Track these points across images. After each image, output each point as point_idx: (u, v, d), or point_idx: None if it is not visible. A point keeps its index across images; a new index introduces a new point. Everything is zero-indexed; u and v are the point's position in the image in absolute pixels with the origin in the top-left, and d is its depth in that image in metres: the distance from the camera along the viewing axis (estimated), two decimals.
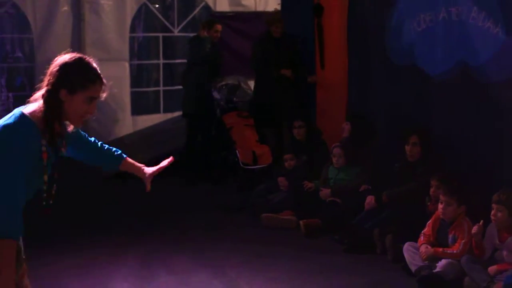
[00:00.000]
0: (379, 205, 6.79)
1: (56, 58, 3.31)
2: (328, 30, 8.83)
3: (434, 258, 5.80)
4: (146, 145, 9.81)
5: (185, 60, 9.95)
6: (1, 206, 3.09)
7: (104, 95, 3.36)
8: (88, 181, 8.04)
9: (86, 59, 3.32)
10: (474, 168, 6.35)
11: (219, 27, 9.53)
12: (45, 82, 3.27)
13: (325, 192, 7.47)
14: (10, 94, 9.73)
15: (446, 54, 6.60)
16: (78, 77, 3.25)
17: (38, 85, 3.31)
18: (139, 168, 3.83)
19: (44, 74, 3.27)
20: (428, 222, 6.07)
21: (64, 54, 3.32)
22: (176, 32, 10.88)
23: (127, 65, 10.28)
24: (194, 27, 10.74)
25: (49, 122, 3.23)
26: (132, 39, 10.45)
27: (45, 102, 3.23)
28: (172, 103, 10.65)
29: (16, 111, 3.25)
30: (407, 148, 6.69)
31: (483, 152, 6.30)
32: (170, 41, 10.96)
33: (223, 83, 9.66)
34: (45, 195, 3.31)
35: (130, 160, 3.83)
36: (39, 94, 3.29)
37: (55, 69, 3.26)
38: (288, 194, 7.78)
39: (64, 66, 3.25)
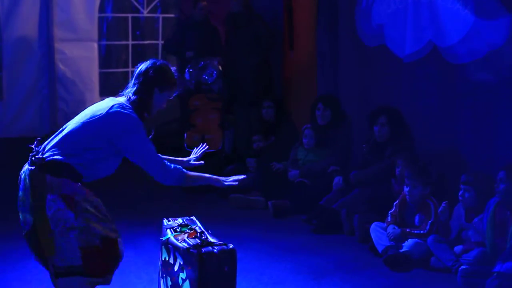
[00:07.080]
0: (347, 186, 6.81)
1: (143, 63, 4.11)
2: (298, 11, 8.79)
3: (401, 238, 5.83)
4: None
5: (154, 41, 9.79)
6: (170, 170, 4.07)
7: None
8: None
9: (170, 66, 4.17)
10: (444, 149, 6.38)
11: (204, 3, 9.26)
12: (138, 80, 4.06)
13: (293, 173, 7.46)
14: None
15: (415, 35, 6.60)
16: (168, 79, 4.10)
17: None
18: None
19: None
20: (396, 203, 6.10)
21: (150, 60, 4.13)
22: (145, 13, 10.76)
23: (95, 45, 10.14)
24: (163, 8, 10.64)
25: (142, 113, 4.02)
26: (101, 20, 10.31)
27: (140, 96, 4.03)
28: None
29: (116, 103, 3.99)
30: (376, 128, 6.69)
31: (452, 132, 6.32)
32: (139, 22, 10.84)
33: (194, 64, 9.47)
34: None
35: None
36: (130, 90, 4.07)
37: (149, 71, 4.06)
38: (257, 175, 7.75)
39: (159, 69, 4.07)
